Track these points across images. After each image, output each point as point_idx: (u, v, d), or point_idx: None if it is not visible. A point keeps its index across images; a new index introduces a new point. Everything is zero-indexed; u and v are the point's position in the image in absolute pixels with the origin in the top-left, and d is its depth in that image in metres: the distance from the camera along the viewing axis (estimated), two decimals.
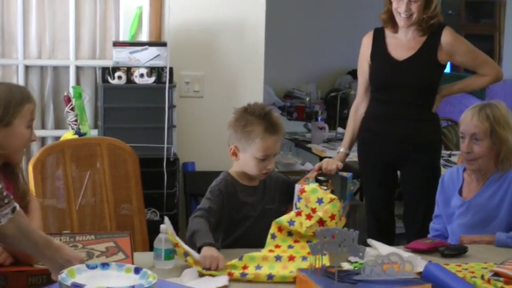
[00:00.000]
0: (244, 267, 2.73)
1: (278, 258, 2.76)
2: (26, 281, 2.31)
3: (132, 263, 2.48)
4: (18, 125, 2.70)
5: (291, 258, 2.75)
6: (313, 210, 2.92)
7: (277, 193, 3.34)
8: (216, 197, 3.17)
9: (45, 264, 2.32)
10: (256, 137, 3.17)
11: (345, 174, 3.52)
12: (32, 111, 2.76)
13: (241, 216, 3.22)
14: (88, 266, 2.23)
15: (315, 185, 3.03)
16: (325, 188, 3.12)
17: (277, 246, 2.87)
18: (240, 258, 2.75)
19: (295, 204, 3.00)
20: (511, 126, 3.41)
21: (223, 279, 2.61)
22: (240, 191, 3.25)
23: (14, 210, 2.17)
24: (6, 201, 2.15)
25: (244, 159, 3.24)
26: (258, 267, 2.72)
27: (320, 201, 2.93)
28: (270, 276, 2.67)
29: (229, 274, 2.68)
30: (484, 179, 3.45)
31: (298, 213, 2.92)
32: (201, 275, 2.66)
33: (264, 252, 2.83)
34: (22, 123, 2.72)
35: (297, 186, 3.05)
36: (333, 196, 2.98)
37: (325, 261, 2.48)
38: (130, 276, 2.21)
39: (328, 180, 3.29)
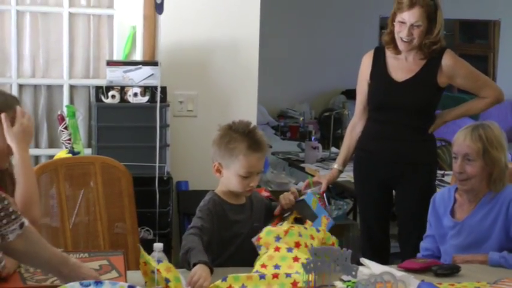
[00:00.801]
0: None
1: (262, 277, 2.72)
2: None
3: (126, 281, 2.48)
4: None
5: (275, 276, 2.72)
6: (277, 249, 2.88)
7: (262, 213, 3.35)
8: (207, 216, 3.16)
9: (61, 283, 2.30)
10: (239, 153, 3.18)
11: (308, 192, 3.58)
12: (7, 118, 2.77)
13: (231, 234, 3.21)
14: (82, 284, 2.22)
15: (267, 228, 2.98)
16: (281, 223, 3.15)
17: (263, 266, 2.84)
18: (224, 279, 2.71)
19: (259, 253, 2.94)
20: (504, 146, 3.42)
21: None
22: (228, 210, 3.25)
23: (22, 225, 2.16)
24: (13, 216, 2.15)
25: (228, 176, 3.24)
26: (243, 287, 2.70)
27: (278, 238, 2.90)
28: None
29: None
30: (477, 199, 3.45)
31: (264, 266, 2.84)
32: None
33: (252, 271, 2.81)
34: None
35: (254, 239, 2.99)
36: (286, 228, 2.95)
37: (310, 277, 2.50)
38: None
39: (291, 213, 3.29)
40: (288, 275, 2.68)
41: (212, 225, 3.15)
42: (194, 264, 2.78)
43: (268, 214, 3.37)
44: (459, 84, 4.23)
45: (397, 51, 4.09)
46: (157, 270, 2.57)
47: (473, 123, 3.51)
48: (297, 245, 2.90)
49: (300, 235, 2.94)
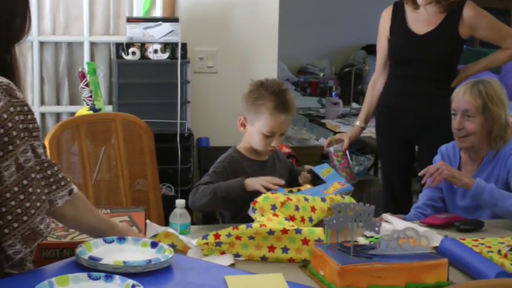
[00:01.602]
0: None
1: (271, 233, 2.67)
2: (40, 254, 2.32)
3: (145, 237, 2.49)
4: None
5: (285, 231, 2.66)
6: (275, 215, 2.79)
7: (285, 176, 3.31)
8: (220, 174, 3.17)
9: None
10: (265, 111, 3.16)
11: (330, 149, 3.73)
12: None
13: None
14: (105, 240, 2.24)
15: (265, 194, 2.87)
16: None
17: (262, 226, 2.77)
18: (229, 236, 2.65)
19: (252, 218, 2.84)
20: (504, 103, 3.34)
21: (228, 258, 2.60)
22: (248, 166, 3.24)
23: (71, 192, 2.17)
24: (62, 183, 2.15)
25: (251, 132, 3.23)
26: (251, 238, 2.63)
27: (274, 207, 2.79)
28: (264, 258, 2.64)
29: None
30: (479, 158, 3.39)
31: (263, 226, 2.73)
32: (206, 255, 2.63)
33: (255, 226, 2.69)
34: None
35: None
36: (283, 199, 2.81)
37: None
38: (147, 251, 2.21)
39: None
40: (297, 231, 2.63)
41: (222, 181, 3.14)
42: (242, 186, 2.97)
43: (291, 178, 3.34)
44: (481, 36, 4.19)
45: (415, 5, 4.06)
46: (159, 241, 2.50)
47: (473, 79, 3.45)
48: (292, 218, 2.80)
49: (297, 208, 2.83)
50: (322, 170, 3.27)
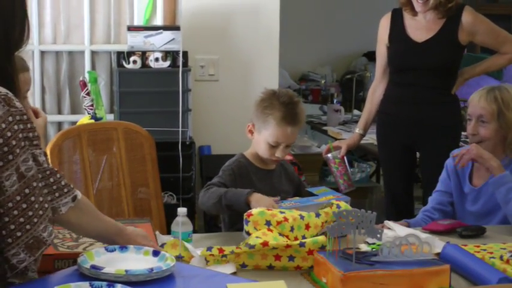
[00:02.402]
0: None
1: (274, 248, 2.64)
2: (53, 264, 2.32)
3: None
4: None
5: (288, 246, 2.62)
6: (269, 230, 2.75)
7: (290, 188, 3.33)
8: (228, 176, 3.18)
9: None
10: (273, 121, 3.16)
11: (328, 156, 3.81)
12: (25, 81, 2.75)
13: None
14: (106, 249, 2.23)
15: (261, 208, 2.82)
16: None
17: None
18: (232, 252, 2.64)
19: (244, 229, 2.82)
20: None
21: (230, 266, 2.60)
22: (253, 173, 3.25)
23: (74, 198, 2.17)
24: (65, 190, 2.15)
25: (257, 140, 3.24)
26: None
27: (268, 223, 2.75)
28: (271, 267, 2.63)
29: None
30: None
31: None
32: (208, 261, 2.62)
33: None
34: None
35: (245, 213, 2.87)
36: (280, 219, 2.76)
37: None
38: (149, 259, 2.21)
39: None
40: (301, 244, 2.61)
41: (235, 184, 3.15)
42: (246, 198, 2.94)
43: (296, 193, 3.33)
44: (480, 41, 4.19)
45: (414, 12, 4.05)
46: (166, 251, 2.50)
47: (489, 85, 3.45)
48: (285, 236, 2.74)
49: (292, 229, 2.76)
50: (318, 190, 3.26)
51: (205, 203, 3.10)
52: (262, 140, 3.21)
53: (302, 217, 2.80)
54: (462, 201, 3.42)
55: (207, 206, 3.10)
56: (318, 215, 2.83)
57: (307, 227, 2.78)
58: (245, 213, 2.80)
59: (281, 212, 2.81)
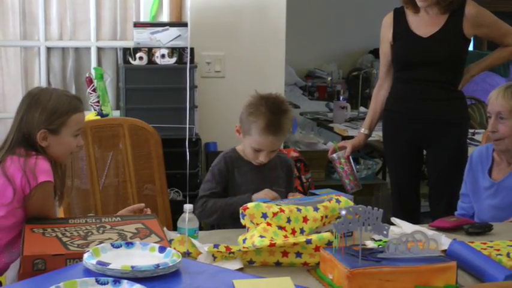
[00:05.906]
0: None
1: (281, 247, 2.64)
2: (65, 264, 2.31)
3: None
4: (65, 135, 2.82)
5: (295, 244, 2.60)
6: (268, 224, 2.74)
7: (282, 182, 3.40)
8: (218, 177, 3.30)
9: None
10: (256, 128, 3.22)
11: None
12: (78, 121, 2.86)
13: (244, 189, 3.28)
14: (113, 245, 2.23)
15: (257, 202, 2.81)
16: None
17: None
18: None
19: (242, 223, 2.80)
20: None
21: (237, 262, 2.60)
22: (243, 166, 3.33)
23: None
24: None
25: (244, 141, 3.33)
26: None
27: (264, 215, 2.74)
28: (278, 264, 2.63)
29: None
30: None
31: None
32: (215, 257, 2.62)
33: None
34: (69, 133, 2.83)
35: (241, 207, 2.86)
36: (276, 210, 2.75)
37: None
38: (155, 255, 2.21)
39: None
40: (308, 241, 2.59)
41: (226, 179, 3.29)
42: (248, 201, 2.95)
43: (288, 187, 3.40)
44: (483, 33, 4.17)
45: (416, 9, 4.04)
46: (174, 248, 2.50)
47: (508, 82, 3.45)
48: (283, 229, 2.74)
49: (289, 221, 2.75)
50: (322, 191, 3.25)
51: (205, 218, 3.17)
52: (247, 143, 3.29)
53: (299, 210, 2.78)
54: (480, 194, 3.46)
55: (210, 220, 3.15)
56: (316, 209, 2.80)
57: (305, 219, 2.77)
58: (241, 207, 2.79)
59: (277, 205, 2.81)
